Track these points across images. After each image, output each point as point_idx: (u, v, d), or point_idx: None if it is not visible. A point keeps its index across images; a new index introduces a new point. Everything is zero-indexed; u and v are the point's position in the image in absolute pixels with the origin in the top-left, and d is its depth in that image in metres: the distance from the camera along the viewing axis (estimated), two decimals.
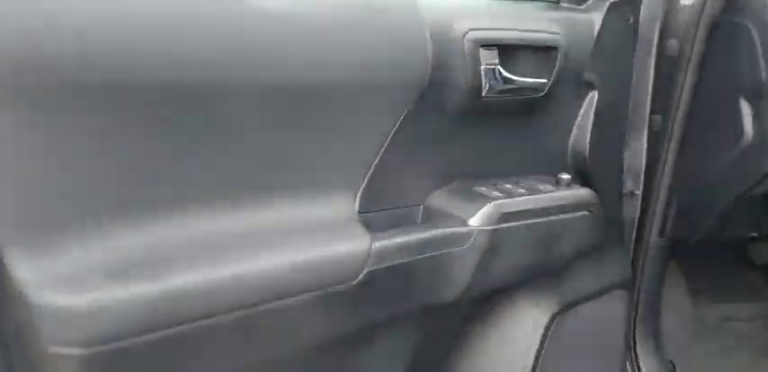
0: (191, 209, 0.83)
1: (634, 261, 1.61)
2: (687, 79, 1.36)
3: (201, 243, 0.84)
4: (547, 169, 1.25)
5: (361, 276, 0.92)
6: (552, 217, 1.15)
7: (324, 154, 0.94)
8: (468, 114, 1.08)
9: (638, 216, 1.59)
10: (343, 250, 0.91)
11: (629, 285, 1.46)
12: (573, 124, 1.29)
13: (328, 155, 0.94)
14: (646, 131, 1.48)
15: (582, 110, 1.29)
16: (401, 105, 0.97)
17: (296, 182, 0.92)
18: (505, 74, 1.09)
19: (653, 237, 1.59)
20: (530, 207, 1.12)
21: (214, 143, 0.82)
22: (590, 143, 1.28)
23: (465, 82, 1.04)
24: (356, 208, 0.99)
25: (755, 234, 1.65)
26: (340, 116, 0.93)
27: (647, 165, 1.51)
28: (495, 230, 1.07)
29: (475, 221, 1.06)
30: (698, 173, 1.43)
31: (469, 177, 1.16)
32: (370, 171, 1.00)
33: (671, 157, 1.45)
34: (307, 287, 0.88)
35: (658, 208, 1.55)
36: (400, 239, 0.97)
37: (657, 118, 1.44)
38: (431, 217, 1.11)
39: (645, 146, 1.52)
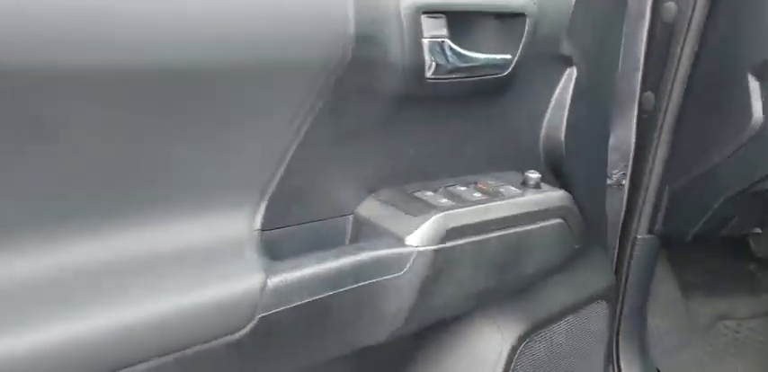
0: (10, 246, 0.59)
1: (618, 262, 1.39)
2: (685, 50, 1.18)
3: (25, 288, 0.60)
4: (512, 165, 1.02)
5: (251, 324, 0.69)
6: (517, 229, 0.92)
7: (209, 158, 0.70)
8: (408, 101, 0.84)
9: (624, 209, 1.37)
10: (226, 290, 0.67)
11: (611, 294, 1.24)
12: (545, 109, 1.05)
13: (216, 159, 0.70)
14: (635, 112, 1.31)
15: (557, 92, 1.05)
16: (314, 92, 0.73)
17: (166, 198, 0.69)
18: (456, 48, 0.84)
19: (641, 234, 1.37)
20: (487, 217, 0.89)
21: (41, 148, 0.58)
22: (567, 131, 1.04)
23: (401, 60, 0.79)
24: (257, 225, 0.76)
25: (759, 231, 1.43)
26: (230, 107, 0.69)
27: (636, 151, 1.36)
28: (440, 250, 0.84)
29: (414, 239, 0.83)
30: (695, 162, 1.25)
31: (412, 178, 0.93)
32: (278, 176, 0.76)
33: (664, 142, 1.29)
34: (176, 344, 0.65)
35: (648, 200, 1.34)
36: (308, 269, 0.73)
37: (649, 96, 1.27)
38: (360, 233, 0.88)
39: (634, 128, 1.33)
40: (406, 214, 0.87)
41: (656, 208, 1.33)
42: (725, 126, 1.17)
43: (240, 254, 0.74)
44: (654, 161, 1.28)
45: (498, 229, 0.91)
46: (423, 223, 0.85)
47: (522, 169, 1.02)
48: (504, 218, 0.92)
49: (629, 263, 1.41)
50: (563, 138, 1.06)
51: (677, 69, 1.19)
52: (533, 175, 0.98)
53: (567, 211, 0.99)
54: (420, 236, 0.84)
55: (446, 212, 0.86)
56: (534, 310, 1.10)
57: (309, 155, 0.79)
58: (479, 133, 0.98)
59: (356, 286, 0.79)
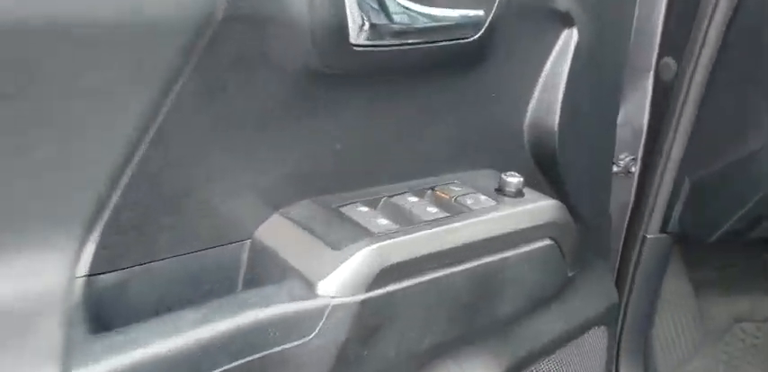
0: None
1: (621, 267, 1.13)
2: (720, 3, 0.91)
3: None
4: (486, 162, 0.74)
5: None
6: (489, 259, 0.65)
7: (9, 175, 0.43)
8: (328, 76, 0.56)
9: (632, 203, 1.10)
10: None
11: (612, 317, 0.98)
12: (533, 85, 0.77)
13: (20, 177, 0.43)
14: (650, 82, 1.05)
15: (549, 62, 0.76)
16: (172, 64, 0.46)
17: None
18: (401, 1, 0.57)
19: (651, 233, 1.10)
20: (446, 245, 0.63)
21: None
22: (562, 115, 0.76)
23: (309, 17, 0.51)
24: (84, 271, 0.49)
25: None
26: (44, 96, 0.42)
27: (650, 131, 1.09)
28: (371, 300, 0.57)
29: (331, 284, 0.57)
30: (726, 147, 1.02)
31: (339, 185, 0.66)
32: (118, 189, 0.48)
33: (686, 120, 1.02)
34: None
35: (662, 192, 1.08)
36: (151, 347, 0.46)
37: (669, 62, 1.02)
38: (258, 268, 0.61)
39: (648, 102, 1.08)
40: (323, 244, 0.59)
41: (671, 202, 1.10)
42: (763, 99, 0.94)
43: (47, 323, 0.47)
44: (672, 143, 1.04)
45: (463, 261, 0.64)
46: (346, 259, 0.58)
47: (500, 166, 0.75)
48: (471, 245, 0.65)
49: (634, 269, 1.15)
50: (556, 125, 0.78)
51: (707, 28, 0.94)
52: (513, 179, 0.70)
53: (558, 228, 0.72)
54: (340, 280, 0.58)
55: (381, 243, 0.59)
56: (515, 346, 0.83)
57: (171, 155, 0.51)
58: (439, 120, 0.70)
59: (235, 364, 0.51)
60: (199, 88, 0.51)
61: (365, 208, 0.65)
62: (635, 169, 1.11)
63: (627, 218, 1.14)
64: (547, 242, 0.72)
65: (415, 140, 0.70)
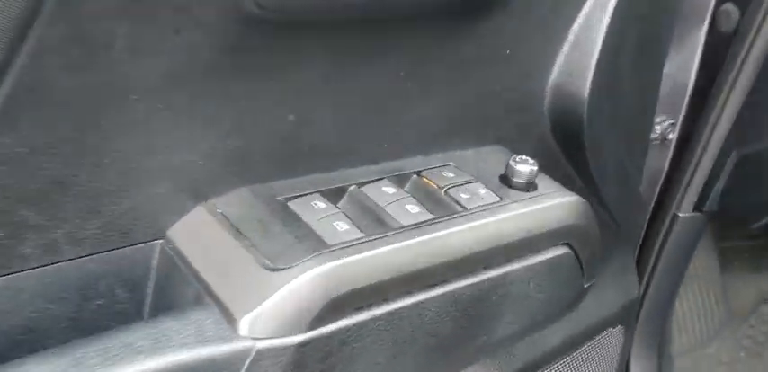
0: None
1: (643, 250, 0.96)
2: None
3: None
4: (491, 137, 0.57)
5: None
6: (485, 277, 0.48)
7: None
8: (267, 22, 0.39)
9: (664, 175, 0.92)
10: None
11: (630, 315, 0.82)
12: (562, 39, 0.58)
13: None
14: (703, 32, 0.86)
15: (585, 9, 0.57)
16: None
17: None
18: None
19: (684, 211, 0.93)
20: (425, 263, 0.46)
21: None
22: (596, 73, 0.58)
23: None
24: None
25: None
26: None
27: (697, 92, 0.90)
28: (315, 341, 0.40)
29: (257, 321, 0.40)
30: None
31: (292, 168, 0.48)
32: None
33: (744, 79, 0.85)
34: None
35: (703, 165, 0.93)
36: None
37: (729, 10, 0.83)
38: (166, 279, 0.45)
39: (697, 57, 0.89)
40: (254, 259, 0.43)
41: (712, 177, 0.94)
42: None
43: None
44: (722, 108, 0.87)
45: (450, 281, 0.48)
46: (283, 285, 0.41)
47: (510, 142, 0.57)
48: (463, 260, 0.48)
49: (659, 249, 0.98)
50: (587, 90, 0.59)
51: None
52: (524, 167, 0.53)
53: (577, 232, 0.55)
54: (271, 315, 0.41)
55: (335, 263, 0.43)
56: (521, 353, 0.68)
57: (33, 134, 0.35)
58: (433, 81, 0.52)
59: None
60: (67, 38, 0.34)
61: (322, 204, 0.48)
62: (673, 136, 0.93)
63: (656, 192, 0.97)
64: (562, 250, 0.55)
65: (398, 107, 0.52)
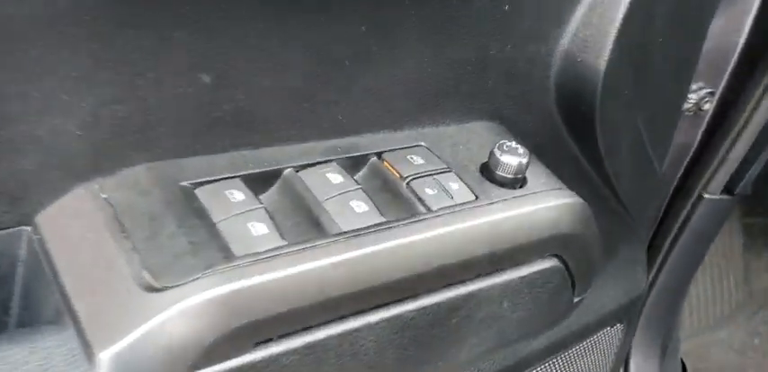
0: None
1: (662, 226, 0.85)
2: None
3: None
4: (482, 111, 0.45)
5: None
6: (446, 296, 0.38)
7: None
8: None
9: (694, 149, 0.80)
10: None
11: (633, 311, 0.73)
12: None
13: None
14: None
15: None
16: None
17: None
18: None
19: (711, 192, 0.82)
20: (366, 283, 0.35)
21: None
22: (618, 37, 0.45)
23: None
24: None
25: None
26: None
27: (744, 58, 0.75)
28: None
29: (121, 359, 0.29)
30: None
31: (204, 143, 0.37)
32: None
33: None
34: None
35: (742, 142, 0.81)
36: None
37: None
38: (31, 274, 0.34)
39: (751, 19, 0.73)
40: (131, 273, 0.33)
41: (750, 157, 0.82)
42: None
43: None
44: None
45: (395, 304, 0.37)
46: (159, 311, 0.31)
47: (506, 116, 0.46)
48: (418, 277, 0.38)
49: (678, 231, 0.86)
50: (605, 58, 0.47)
51: None
52: (512, 159, 0.41)
53: (570, 241, 0.44)
54: (140, 352, 0.31)
55: (235, 285, 0.32)
56: (497, 358, 0.58)
57: None
58: (409, 38, 0.40)
59: None
60: None
61: (240, 194, 0.37)
62: (709, 106, 0.80)
63: (682, 169, 0.85)
64: (549, 263, 0.44)
65: (358, 70, 0.41)
